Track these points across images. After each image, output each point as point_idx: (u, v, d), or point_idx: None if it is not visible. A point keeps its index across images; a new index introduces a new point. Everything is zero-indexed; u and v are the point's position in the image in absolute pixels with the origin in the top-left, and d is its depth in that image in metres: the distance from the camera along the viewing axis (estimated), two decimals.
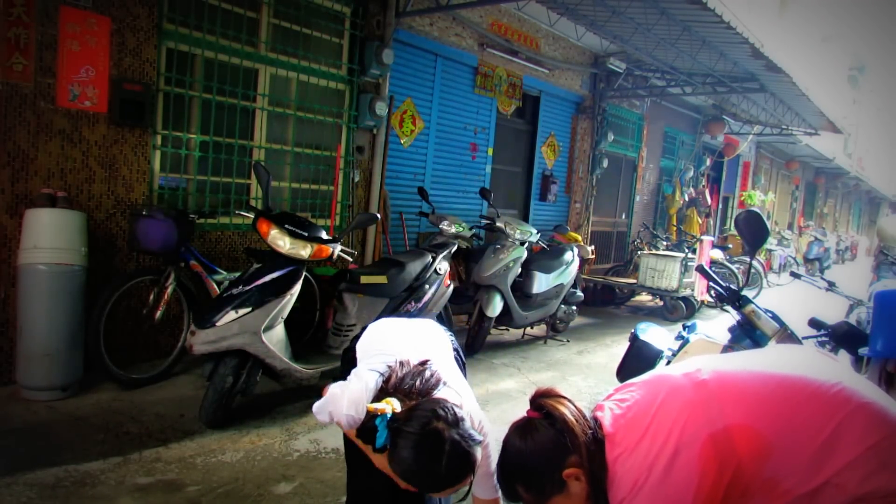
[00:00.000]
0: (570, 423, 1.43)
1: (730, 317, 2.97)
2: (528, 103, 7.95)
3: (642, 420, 1.39)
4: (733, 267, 8.96)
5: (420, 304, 4.26)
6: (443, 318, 4.72)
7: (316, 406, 1.69)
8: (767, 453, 1.29)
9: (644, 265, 8.01)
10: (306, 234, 3.54)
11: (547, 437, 1.43)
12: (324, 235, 3.66)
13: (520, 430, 1.48)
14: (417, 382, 1.61)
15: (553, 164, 8.44)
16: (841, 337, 3.18)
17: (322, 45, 5.25)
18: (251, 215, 3.71)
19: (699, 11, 5.47)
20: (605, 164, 8.99)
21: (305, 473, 2.95)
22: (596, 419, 1.48)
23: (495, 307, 5.29)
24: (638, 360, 2.99)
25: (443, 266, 4.53)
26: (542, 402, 1.50)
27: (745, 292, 2.87)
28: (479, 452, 1.48)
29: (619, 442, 1.40)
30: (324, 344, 4.12)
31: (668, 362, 2.88)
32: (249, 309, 3.28)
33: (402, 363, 1.69)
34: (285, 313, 3.52)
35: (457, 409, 1.50)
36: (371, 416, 1.51)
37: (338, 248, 3.76)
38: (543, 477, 1.42)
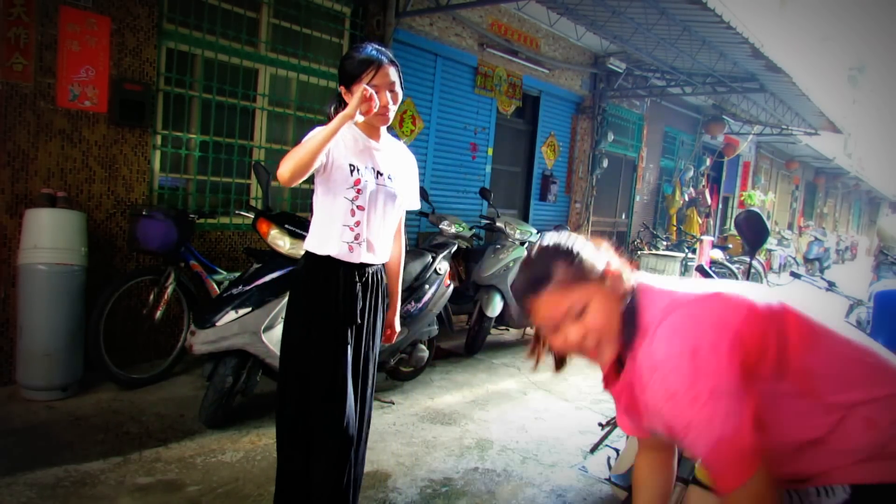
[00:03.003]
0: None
1: None
2: (528, 103, 7.94)
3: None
4: (733, 267, 8.96)
5: (420, 304, 4.26)
6: (443, 319, 4.73)
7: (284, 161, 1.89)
8: (815, 348, 1.27)
9: (644, 265, 7.99)
10: (306, 234, 3.53)
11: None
12: None
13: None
14: None
15: (553, 164, 8.44)
16: None
17: (322, 45, 5.25)
18: (251, 215, 3.71)
19: (699, 11, 5.48)
20: (605, 164, 8.99)
21: None
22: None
23: (495, 307, 5.30)
24: None
25: (443, 266, 4.53)
26: None
27: None
28: None
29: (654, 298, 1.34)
30: None
31: None
32: (249, 309, 3.28)
33: None
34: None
35: None
36: None
37: None
38: (587, 261, 1.34)
